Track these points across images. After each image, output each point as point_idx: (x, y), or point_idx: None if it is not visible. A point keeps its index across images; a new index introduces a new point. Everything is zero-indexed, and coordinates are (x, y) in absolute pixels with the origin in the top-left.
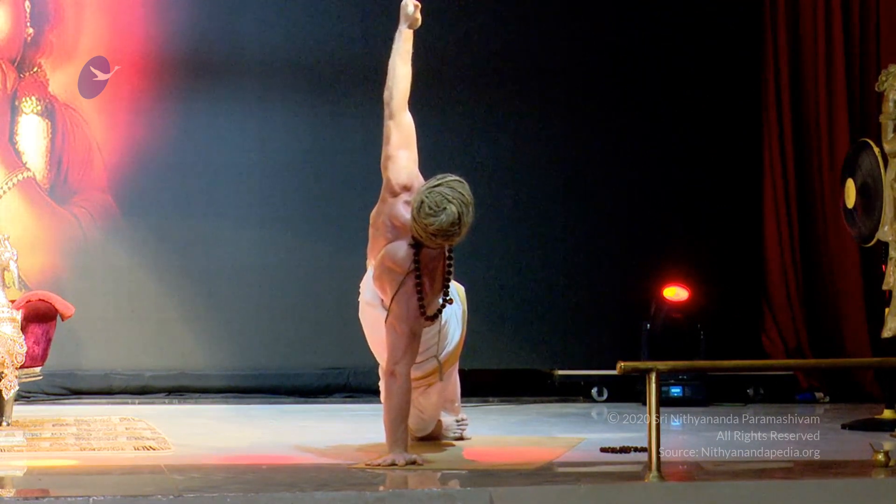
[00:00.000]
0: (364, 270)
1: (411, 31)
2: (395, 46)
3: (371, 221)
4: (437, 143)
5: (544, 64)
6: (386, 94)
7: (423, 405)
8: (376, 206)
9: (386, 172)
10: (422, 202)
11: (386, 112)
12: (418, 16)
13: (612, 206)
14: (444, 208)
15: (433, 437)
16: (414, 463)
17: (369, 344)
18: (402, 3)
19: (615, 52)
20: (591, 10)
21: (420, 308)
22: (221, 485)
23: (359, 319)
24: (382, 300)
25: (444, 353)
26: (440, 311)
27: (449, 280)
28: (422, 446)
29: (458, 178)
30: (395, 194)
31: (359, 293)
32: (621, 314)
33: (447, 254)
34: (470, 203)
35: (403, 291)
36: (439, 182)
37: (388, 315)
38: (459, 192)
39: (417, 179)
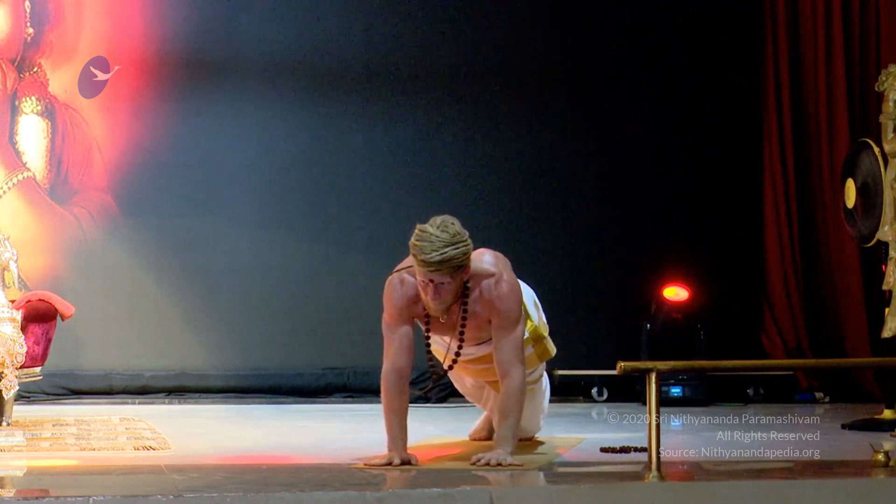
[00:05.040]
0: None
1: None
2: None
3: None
4: (438, 143)
5: (544, 65)
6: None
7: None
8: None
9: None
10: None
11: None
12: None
13: (612, 207)
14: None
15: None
16: (409, 463)
17: None
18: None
19: (615, 53)
20: (590, 11)
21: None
22: (221, 485)
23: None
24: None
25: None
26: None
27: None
28: (425, 447)
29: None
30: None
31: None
32: (621, 314)
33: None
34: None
35: (390, 280)
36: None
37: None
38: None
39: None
